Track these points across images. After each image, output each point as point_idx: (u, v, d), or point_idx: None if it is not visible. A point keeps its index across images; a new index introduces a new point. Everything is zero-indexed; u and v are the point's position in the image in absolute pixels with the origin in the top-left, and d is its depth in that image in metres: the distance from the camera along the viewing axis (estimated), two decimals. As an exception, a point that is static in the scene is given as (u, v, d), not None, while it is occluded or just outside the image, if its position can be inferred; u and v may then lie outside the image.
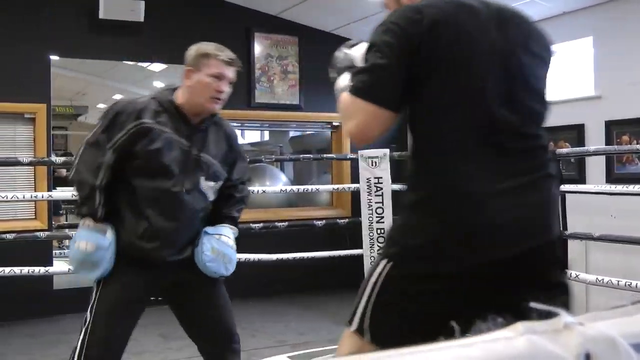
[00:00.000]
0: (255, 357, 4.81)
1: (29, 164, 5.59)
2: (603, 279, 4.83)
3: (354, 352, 1.92)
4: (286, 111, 7.26)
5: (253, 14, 7.10)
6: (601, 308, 0.58)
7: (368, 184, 5.79)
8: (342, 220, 6.45)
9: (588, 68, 5.84)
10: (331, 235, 6.70)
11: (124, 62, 7.32)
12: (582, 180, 5.78)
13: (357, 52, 2.05)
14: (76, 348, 2.87)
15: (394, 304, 1.84)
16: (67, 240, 8.45)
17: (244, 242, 5.98)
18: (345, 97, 1.85)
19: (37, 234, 5.49)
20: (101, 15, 6.23)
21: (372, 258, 5.76)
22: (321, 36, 7.28)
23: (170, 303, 3.19)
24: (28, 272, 5.22)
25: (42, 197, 5.74)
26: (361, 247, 5.87)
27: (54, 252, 6.79)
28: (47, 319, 6.01)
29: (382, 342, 1.84)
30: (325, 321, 5.90)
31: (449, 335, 1.83)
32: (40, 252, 5.99)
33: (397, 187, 5.75)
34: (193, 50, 2.95)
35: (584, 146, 5.66)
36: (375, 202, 5.77)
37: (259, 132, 11.00)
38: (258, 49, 7.17)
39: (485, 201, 1.74)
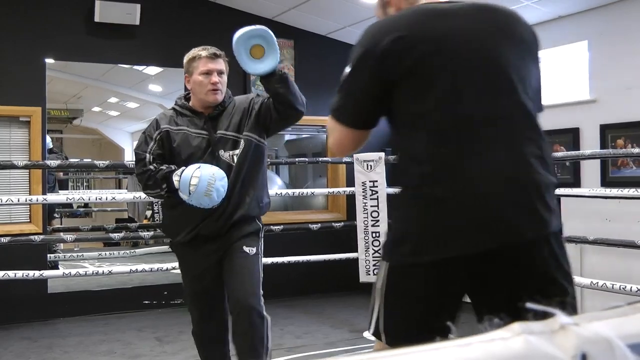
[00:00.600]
0: (251, 360, 4.80)
1: (24, 167, 5.58)
2: (598, 283, 4.84)
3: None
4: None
5: (248, 18, 7.10)
6: (596, 311, 0.58)
7: (363, 187, 5.79)
8: (337, 224, 6.45)
9: (583, 72, 5.85)
10: (327, 239, 6.70)
11: (120, 65, 7.33)
12: (577, 184, 5.79)
13: None
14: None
15: (398, 303, 1.90)
16: (61, 244, 8.45)
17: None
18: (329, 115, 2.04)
19: (32, 237, 5.48)
20: (97, 19, 6.23)
21: (368, 261, 5.76)
22: (316, 40, 7.29)
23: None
24: (23, 275, 5.21)
25: (37, 200, 5.73)
26: (357, 251, 5.87)
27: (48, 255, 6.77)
28: (42, 323, 6.00)
29: (397, 343, 1.89)
30: (322, 325, 5.90)
31: (445, 335, 1.84)
32: (35, 255, 5.98)
33: (392, 190, 5.75)
34: (185, 59, 3.42)
35: (579, 150, 5.67)
36: (371, 206, 5.78)
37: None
38: (254, 52, 7.16)
39: (461, 195, 1.78)
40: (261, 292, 3.41)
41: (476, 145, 1.80)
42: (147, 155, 3.28)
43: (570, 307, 1.86)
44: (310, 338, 5.42)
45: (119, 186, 12.63)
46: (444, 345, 0.52)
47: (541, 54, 2.02)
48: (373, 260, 5.70)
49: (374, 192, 5.77)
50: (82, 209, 11.66)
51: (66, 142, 12.40)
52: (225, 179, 3.18)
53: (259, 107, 3.35)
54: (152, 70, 7.53)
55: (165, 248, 7.78)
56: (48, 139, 7.01)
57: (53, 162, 5.96)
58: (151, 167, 3.26)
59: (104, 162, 5.59)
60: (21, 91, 6.12)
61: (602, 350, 0.51)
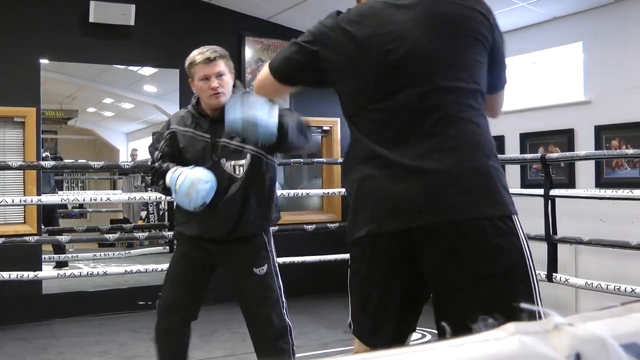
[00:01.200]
0: (246, 361, 4.80)
1: (19, 168, 5.57)
2: (592, 283, 4.85)
3: (356, 351, 2.06)
4: (277, 115, 7.25)
5: (244, 18, 7.11)
6: (591, 311, 0.58)
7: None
8: (332, 225, 6.45)
9: (578, 73, 5.86)
10: (322, 240, 6.70)
11: (115, 65, 7.31)
12: (572, 185, 5.80)
13: None
14: None
15: (353, 288, 2.05)
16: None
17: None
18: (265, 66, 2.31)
19: (27, 238, 5.47)
20: (92, 19, 6.23)
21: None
22: (312, 41, 7.29)
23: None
24: (17, 276, 5.20)
25: (32, 201, 5.73)
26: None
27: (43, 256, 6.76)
28: (36, 324, 5.99)
29: (357, 329, 2.05)
30: (317, 325, 5.90)
31: (441, 335, 1.85)
32: (30, 256, 5.98)
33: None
34: (185, 63, 3.36)
35: (573, 151, 5.68)
36: (366, 207, 5.77)
37: (250, 136, 10.98)
38: (249, 53, 7.17)
39: (378, 180, 1.92)
40: (283, 306, 3.44)
41: (402, 137, 1.90)
42: (157, 152, 3.36)
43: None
44: (305, 339, 5.42)
45: (114, 187, 12.61)
46: (437, 345, 0.52)
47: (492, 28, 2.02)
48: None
49: (369, 193, 5.77)
50: (77, 210, 11.62)
51: (61, 142, 12.36)
52: (210, 183, 3.13)
53: None
54: (147, 70, 7.52)
55: (160, 249, 7.78)
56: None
57: (47, 163, 5.94)
58: (156, 164, 3.32)
59: (98, 162, 5.59)
60: (16, 92, 6.11)
61: (596, 351, 0.51)
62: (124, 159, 10.31)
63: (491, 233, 1.83)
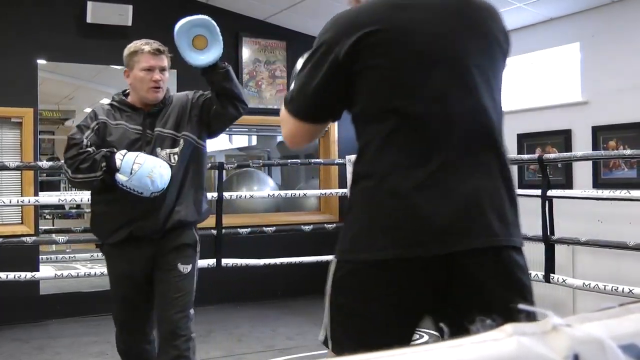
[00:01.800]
0: (243, 362, 4.81)
1: (16, 168, 5.56)
2: (590, 284, 4.85)
3: None
4: (274, 116, 7.23)
5: (241, 19, 7.10)
6: (588, 312, 0.58)
7: (356, 188, 5.78)
8: (329, 225, 6.45)
9: (575, 74, 5.86)
10: (319, 240, 6.70)
11: (112, 66, 7.30)
12: (569, 186, 5.80)
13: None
14: None
15: (341, 306, 1.83)
16: (53, 246, 8.43)
17: (231, 247, 6.00)
18: (282, 109, 1.97)
19: (24, 239, 5.46)
20: (89, 20, 6.22)
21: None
22: (309, 41, 7.23)
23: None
24: (14, 277, 5.19)
25: (29, 202, 5.72)
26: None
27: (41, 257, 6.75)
28: (33, 324, 5.98)
29: (339, 349, 1.82)
30: (313, 326, 5.89)
31: (439, 336, 1.82)
32: (27, 257, 5.96)
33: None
34: (125, 52, 3.25)
35: (571, 151, 5.68)
36: (363, 207, 5.77)
37: (247, 136, 11.00)
38: (246, 53, 7.17)
39: (409, 197, 1.71)
40: (192, 312, 3.23)
41: (435, 149, 1.73)
42: (84, 140, 3.09)
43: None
44: (301, 339, 5.42)
45: (111, 187, 12.63)
46: (435, 346, 0.52)
47: (510, 56, 1.94)
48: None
49: (366, 194, 5.76)
50: (74, 210, 11.61)
51: (58, 143, 12.35)
52: (169, 171, 3.05)
53: (201, 103, 3.25)
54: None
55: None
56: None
57: (45, 164, 5.93)
58: (89, 149, 3.07)
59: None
60: (13, 92, 6.10)
61: (594, 351, 0.51)
62: (121, 159, 10.27)
63: (519, 257, 1.80)
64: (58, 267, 7.38)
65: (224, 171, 6.49)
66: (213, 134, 3.37)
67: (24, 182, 6.08)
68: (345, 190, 5.99)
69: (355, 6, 1.94)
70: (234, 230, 6.01)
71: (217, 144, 10.70)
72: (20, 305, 6.07)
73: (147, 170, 2.95)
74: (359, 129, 1.85)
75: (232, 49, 7.10)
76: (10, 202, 5.44)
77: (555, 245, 5.21)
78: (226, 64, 3.19)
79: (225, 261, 5.79)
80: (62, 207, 10.94)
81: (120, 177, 2.97)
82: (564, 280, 5.07)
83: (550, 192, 5.19)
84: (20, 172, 5.98)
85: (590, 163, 5.62)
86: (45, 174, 9.52)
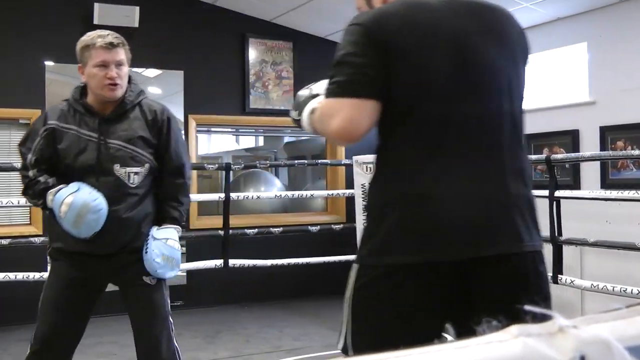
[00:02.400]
0: (250, 363, 4.81)
1: (24, 169, 5.57)
2: (598, 285, 4.83)
3: None
4: (281, 117, 7.25)
5: (247, 20, 7.11)
6: (596, 313, 0.58)
7: (363, 189, 5.79)
8: (336, 226, 6.45)
9: (582, 74, 5.85)
10: (326, 241, 6.70)
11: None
12: (577, 186, 5.79)
13: (319, 87, 2.04)
14: None
15: (362, 312, 1.79)
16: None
17: (238, 248, 6.00)
18: (318, 110, 1.88)
19: (32, 239, 5.47)
20: (96, 21, 6.23)
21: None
22: (316, 41, 7.30)
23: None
24: (23, 277, 5.20)
25: (36, 202, 5.73)
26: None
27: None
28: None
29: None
30: (320, 327, 5.90)
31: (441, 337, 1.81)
32: (35, 257, 5.97)
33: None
34: (77, 46, 2.93)
35: (578, 152, 5.67)
36: (370, 208, 5.76)
37: (254, 137, 10.99)
38: (253, 54, 7.17)
39: (435, 201, 1.69)
40: (171, 320, 3.06)
41: (461, 153, 1.73)
42: (29, 156, 2.84)
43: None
44: (308, 340, 5.42)
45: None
46: (441, 347, 0.51)
47: (530, 58, 1.95)
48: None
49: (373, 194, 5.76)
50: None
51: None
52: (103, 211, 2.76)
53: (162, 141, 2.96)
54: (151, 72, 7.52)
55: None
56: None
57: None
58: (30, 173, 2.84)
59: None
60: (21, 93, 6.12)
61: (601, 353, 0.51)
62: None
63: (540, 261, 1.81)
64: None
65: (231, 172, 6.49)
66: None
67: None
68: (352, 191, 6.00)
69: (374, 8, 1.91)
70: (241, 230, 6.01)
71: (224, 145, 10.71)
72: (29, 306, 6.08)
73: (71, 218, 2.71)
74: (383, 130, 1.81)
75: (238, 50, 7.12)
76: (18, 202, 5.45)
77: (563, 246, 5.20)
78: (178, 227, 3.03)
79: (232, 262, 5.80)
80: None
81: (59, 219, 2.78)
82: (571, 281, 5.06)
83: (557, 193, 5.17)
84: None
85: (598, 163, 5.61)
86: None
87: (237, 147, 11.22)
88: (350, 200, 6.72)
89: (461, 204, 1.70)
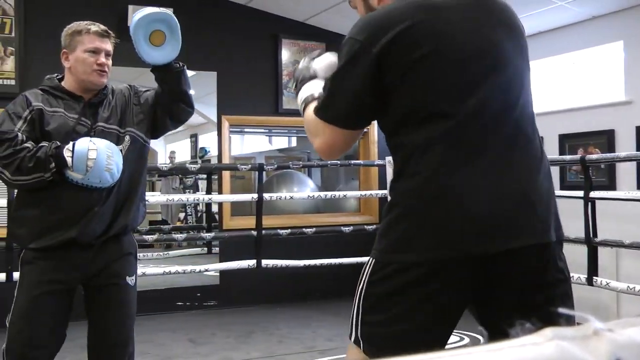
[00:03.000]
0: (283, 363, 4.82)
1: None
2: (634, 287, 4.77)
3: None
4: (314, 117, 7.25)
5: (280, 20, 7.13)
6: (632, 316, 0.57)
7: (396, 190, 5.77)
8: (369, 227, 6.44)
9: (618, 73, 5.78)
10: (359, 242, 6.70)
11: (153, 69, 7.39)
12: (613, 187, 5.71)
13: (320, 64, 2.12)
14: None
15: (378, 305, 1.80)
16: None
17: (271, 248, 6.03)
18: (310, 116, 1.90)
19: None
20: (129, 23, 6.29)
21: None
22: (349, 42, 7.30)
23: (84, 299, 2.93)
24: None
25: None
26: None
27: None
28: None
29: (374, 350, 1.79)
30: (353, 327, 5.89)
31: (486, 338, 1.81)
32: None
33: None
34: (65, 31, 2.93)
35: (614, 152, 5.59)
36: (403, 208, 5.75)
37: (287, 138, 11.04)
38: (285, 55, 7.19)
39: (458, 195, 1.70)
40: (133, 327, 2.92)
41: (481, 147, 1.73)
42: (19, 134, 2.64)
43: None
44: (341, 340, 5.41)
45: (152, 189, 12.77)
46: (474, 350, 0.51)
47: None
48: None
49: (406, 195, 5.75)
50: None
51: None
52: (120, 154, 2.73)
53: (144, 101, 2.94)
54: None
55: (198, 250, 7.82)
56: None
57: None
58: (28, 145, 2.62)
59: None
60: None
61: (637, 357, 0.51)
62: (162, 161, 10.40)
63: (561, 252, 1.82)
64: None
65: (264, 172, 6.52)
66: (156, 135, 3.02)
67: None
68: (385, 192, 5.99)
69: (380, 8, 1.90)
70: (274, 231, 6.03)
71: (257, 145, 10.76)
72: None
73: (102, 163, 2.60)
74: (399, 132, 1.81)
75: (271, 50, 7.14)
76: None
77: (598, 247, 5.14)
78: (181, 64, 2.87)
79: (265, 262, 5.82)
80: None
81: (74, 175, 2.61)
82: (607, 284, 5.00)
83: (592, 194, 5.12)
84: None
85: (634, 164, 5.53)
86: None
87: (270, 148, 11.27)
88: (383, 200, 6.71)
89: (482, 200, 1.70)
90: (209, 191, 7.24)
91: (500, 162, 1.74)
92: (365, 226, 6.50)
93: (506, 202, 1.72)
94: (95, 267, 2.79)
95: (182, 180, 10.20)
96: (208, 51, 6.85)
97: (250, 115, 7.05)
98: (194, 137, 10.67)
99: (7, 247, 5.10)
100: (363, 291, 1.84)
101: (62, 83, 2.85)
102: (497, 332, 1.72)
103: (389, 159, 5.79)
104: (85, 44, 2.82)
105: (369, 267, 1.83)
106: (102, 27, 2.90)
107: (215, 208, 7.40)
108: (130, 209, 2.83)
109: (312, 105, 1.93)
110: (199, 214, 10.06)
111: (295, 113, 7.33)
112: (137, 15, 2.80)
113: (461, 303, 1.80)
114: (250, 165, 6.32)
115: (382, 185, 6.97)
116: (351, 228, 6.32)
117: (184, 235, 6.47)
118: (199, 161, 9.97)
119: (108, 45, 2.89)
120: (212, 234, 6.65)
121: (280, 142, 11.41)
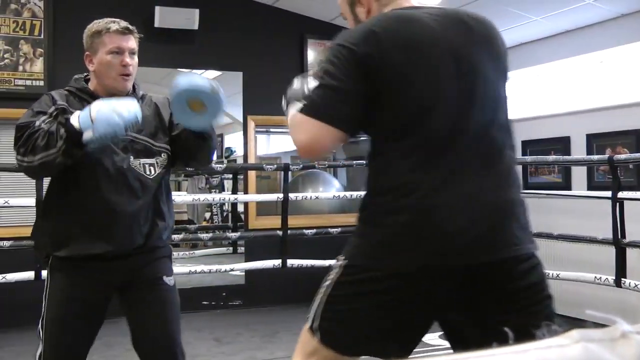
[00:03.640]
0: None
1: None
2: (663, 288, 4.72)
3: (309, 351, 1.92)
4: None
5: (306, 21, 7.14)
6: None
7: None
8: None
9: (647, 72, 5.72)
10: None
11: (178, 69, 7.43)
12: (641, 187, 5.66)
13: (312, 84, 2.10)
14: None
15: (343, 304, 1.86)
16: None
17: (296, 248, 6.03)
18: (295, 115, 1.90)
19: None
20: (157, 24, 6.33)
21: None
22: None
23: (121, 304, 2.83)
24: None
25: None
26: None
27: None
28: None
29: (331, 344, 1.87)
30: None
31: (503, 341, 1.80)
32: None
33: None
34: (85, 32, 2.72)
35: (643, 152, 5.54)
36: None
37: (312, 138, 11.04)
38: (311, 55, 7.20)
39: (434, 208, 1.74)
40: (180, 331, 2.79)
41: (451, 162, 1.77)
42: (38, 122, 2.48)
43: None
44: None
45: (178, 188, 12.84)
46: (499, 351, 0.51)
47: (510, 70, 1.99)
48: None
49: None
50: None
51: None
52: (134, 101, 2.51)
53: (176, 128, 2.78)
54: (211, 74, 7.61)
55: (224, 250, 7.85)
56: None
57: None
58: (43, 126, 2.46)
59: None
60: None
61: (665, 360, 0.50)
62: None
63: (537, 263, 1.85)
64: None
65: (290, 172, 6.53)
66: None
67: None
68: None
69: (365, 21, 1.95)
70: (300, 231, 6.04)
71: (283, 145, 10.77)
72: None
73: (107, 107, 2.38)
74: (375, 144, 1.88)
75: (297, 51, 7.15)
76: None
77: (627, 248, 5.09)
78: (213, 131, 2.73)
79: (290, 262, 5.83)
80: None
81: (86, 135, 2.37)
82: (635, 285, 4.94)
83: (621, 194, 5.06)
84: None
85: (663, 164, 5.48)
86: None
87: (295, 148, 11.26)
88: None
89: (455, 213, 1.74)
90: (234, 191, 7.26)
91: (472, 177, 1.78)
92: (391, 226, 6.48)
93: (478, 217, 1.75)
94: (127, 274, 2.69)
95: (208, 180, 10.23)
96: (234, 51, 6.87)
97: (276, 115, 7.05)
98: (220, 137, 10.71)
99: (35, 246, 5.12)
100: (331, 287, 1.90)
101: (89, 84, 2.72)
102: (466, 343, 1.82)
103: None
104: (107, 45, 2.63)
105: (339, 270, 1.89)
106: (123, 23, 2.69)
107: (240, 208, 7.42)
108: (161, 228, 2.71)
109: (297, 105, 1.94)
110: (224, 214, 10.09)
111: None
112: (185, 80, 2.54)
113: (429, 315, 1.85)
114: (275, 165, 6.32)
115: (407, 186, 6.96)
116: (376, 228, 6.30)
117: (209, 235, 6.48)
118: (225, 161, 10.00)
119: (131, 43, 2.70)
120: (237, 234, 6.67)
121: (306, 142, 11.41)
